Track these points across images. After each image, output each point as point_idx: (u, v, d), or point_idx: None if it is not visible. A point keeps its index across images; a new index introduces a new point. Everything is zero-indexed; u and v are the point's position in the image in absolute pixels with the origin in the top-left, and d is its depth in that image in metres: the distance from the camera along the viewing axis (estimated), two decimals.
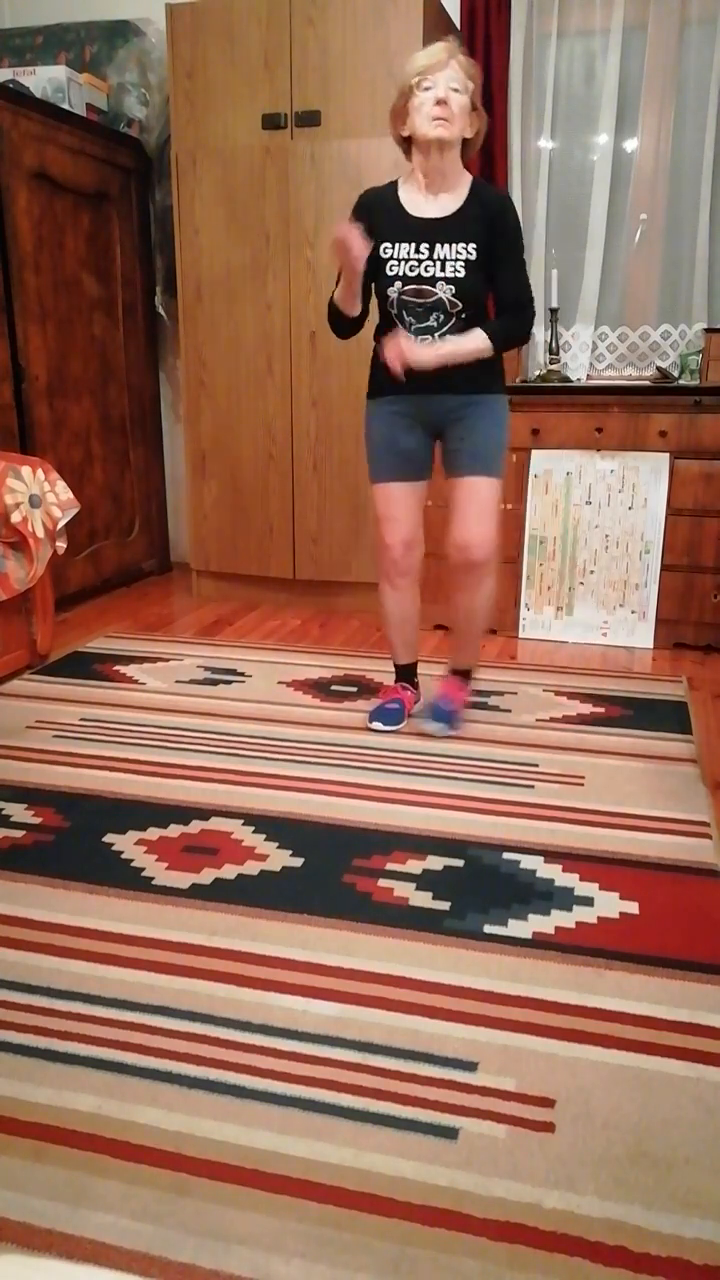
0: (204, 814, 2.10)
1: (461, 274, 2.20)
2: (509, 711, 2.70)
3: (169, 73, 3.47)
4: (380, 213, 2.26)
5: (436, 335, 2.25)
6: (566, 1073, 1.35)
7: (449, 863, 1.91)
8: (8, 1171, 1.19)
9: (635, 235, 3.55)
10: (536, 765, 2.36)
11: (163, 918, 1.71)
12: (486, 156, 3.53)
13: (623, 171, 3.51)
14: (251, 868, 1.88)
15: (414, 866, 1.89)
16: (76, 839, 1.99)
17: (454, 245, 2.20)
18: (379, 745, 2.46)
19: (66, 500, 2.96)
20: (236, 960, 1.59)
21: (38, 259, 3.43)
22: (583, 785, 2.25)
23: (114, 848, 1.96)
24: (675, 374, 3.46)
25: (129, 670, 3.02)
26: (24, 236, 3.34)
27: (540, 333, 3.61)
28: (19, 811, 2.11)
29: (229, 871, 1.87)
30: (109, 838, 2.00)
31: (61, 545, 2.96)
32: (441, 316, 2.23)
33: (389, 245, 2.24)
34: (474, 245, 2.20)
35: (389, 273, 2.24)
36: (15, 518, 2.74)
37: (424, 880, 1.84)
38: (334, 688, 2.88)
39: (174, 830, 2.03)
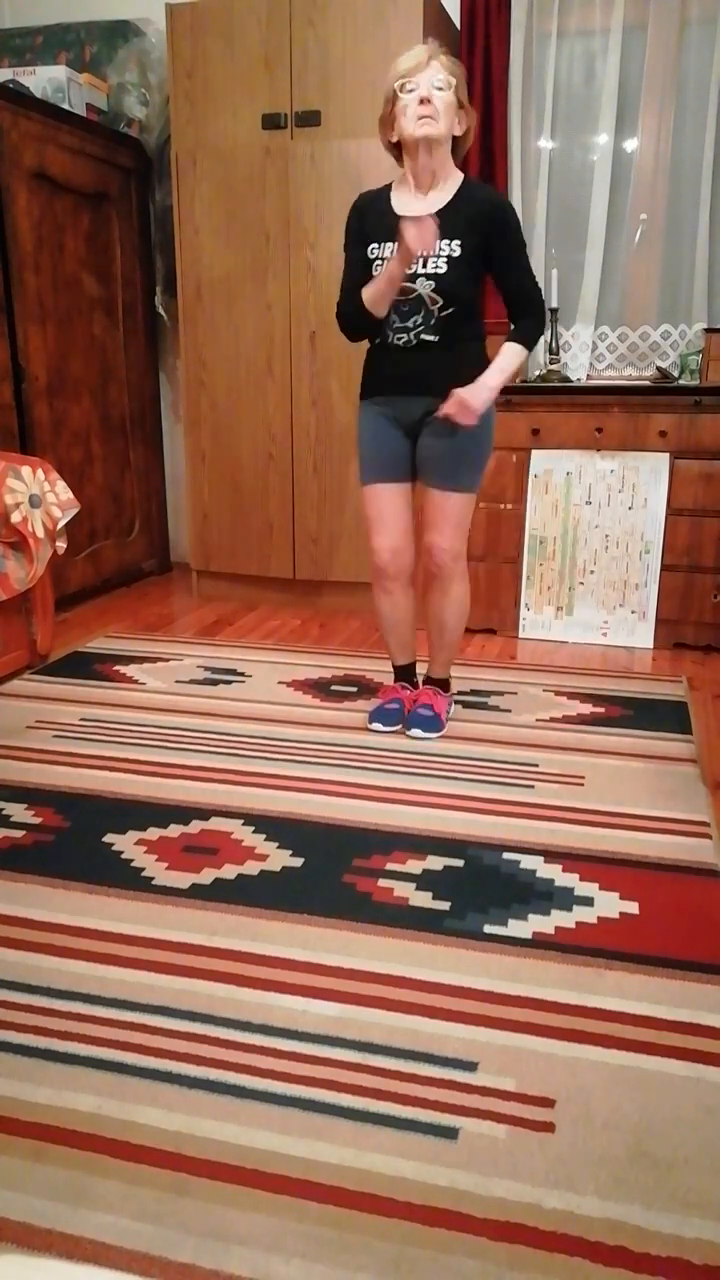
0: (204, 814, 2.10)
1: (442, 270, 2.19)
2: (509, 711, 2.70)
3: (169, 72, 3.47)
4: (371, 214, 2.28)
5: (412, 334, 2.25)
6: (566, 1073, 1.35)
7: (449, 863, 1.91)
8: (8, 1171, 1.19)
9: (635, 235, 3.55)
10: (536, 765, 2.36)
11: (163, 918, 1.71)
12: (486, 156, 3.53)
13: (623, 171, 3.51)
14: (251, 868, 1.88)
15: (414, 866, 1.89)
16: (76, 839, 1.99)
17: (437, 242, 2.18)
18: (379, 745, 2.46)
19: (66, 500, 2.96)
20: (236, 960, 1.59)
21: (38, 259, 3.43)
22: (583, 785, 2.25)
23: (114, 848, 1.96)
24: (675, 374, 3.46)
25: (129, 670, 3.02)
26: (24, 236, 3.34)
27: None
28: (19, 811, 2.11)
29: (229, 871, 1.87)
30: (109, 838, 2.00)
31: (61, 545, 2.96)
32: (423, 314, 2.23)
33: (376, 245, 2.25)
34: (458, 242, 2.19)
35: (375, 272, 2.24)
36: (15, 518, 2.74)
37: (424, 880, 1.84)
38: (334, 688, 2.88)
39: (174, 830, 2.03)
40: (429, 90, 2.11)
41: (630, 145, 3.50)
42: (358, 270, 2.29)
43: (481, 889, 1.81)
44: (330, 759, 2.38)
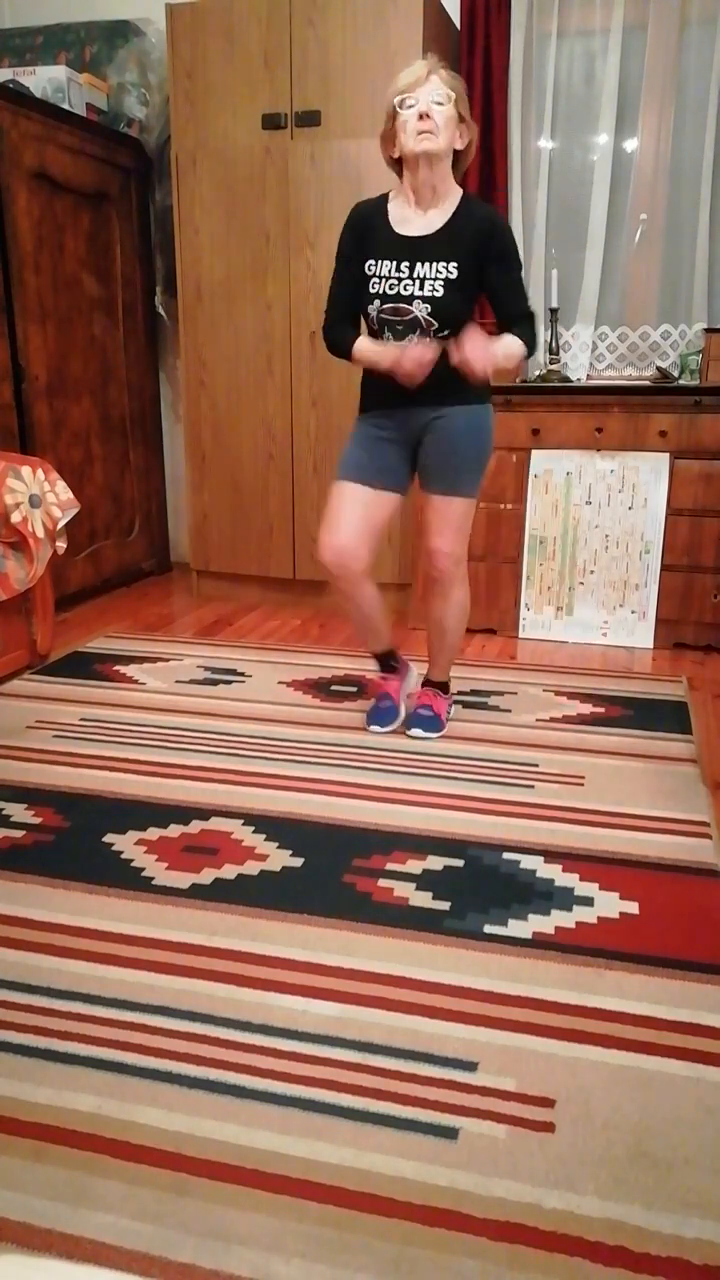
0: (204, 814, 2.10)
1: (439, 293, 2.18)
2: (509, 711, 2.70)
3: (169, 73, 3.48)
4: (368, 229, 2.25)
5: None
6: (566, 1073, 1.35)
7: (449, 863, 1.91)
8: (8, 1171, 1.19)
9: (635, 235, 3.55)
10: (536, 765, 2.36)
11: (163, 918, 1.71)
12: (486, 156, 3.53)
13: (623, 171, 3.51)
14: (251, 868, 1.88)
15: (414, 866, 1.89)
16: (76, 839, 1.99)
17: (434, 264, 2.18)
18: (379, 745, 2.46)
19: (66, 500, 2.96)
20: (236, 960, 1.59)
21: (38, 259, 3.43)
22: (583, 785, 2.25)
23: (114, 848, 1.96)
24: (675, 374, 3.46)
25: (129, 670, 3.02)
26: (24, 236, 3.34)
27: (540, 332, 3.61)
28: (19, 811, 2.11)
29: (229, 871, 1.87)
30: (109, 838, 2.00)
31: (61, 545, 2.96)
32: (418, 335, 2.21)
33: (373, 262, 2.22)
34: (455, 264, 2.18)
35: (370, 290, 2.23)
36: (15, 518, 2.74)
37: (424, 880, 1.84)
38: (334, 688, 2.88)
39: (174, 830, 2.03)
40: (428, 105, 2.10)
41: (630, 145, 3.50)
42: (349, 286, 2.28)
43: (481, 889, 1.81)
44: (330, 759, 2.38)
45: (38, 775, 2.28)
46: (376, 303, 2.23)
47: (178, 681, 2.92)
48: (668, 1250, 1.09)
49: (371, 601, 2.46)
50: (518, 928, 1.69)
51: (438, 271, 2.18)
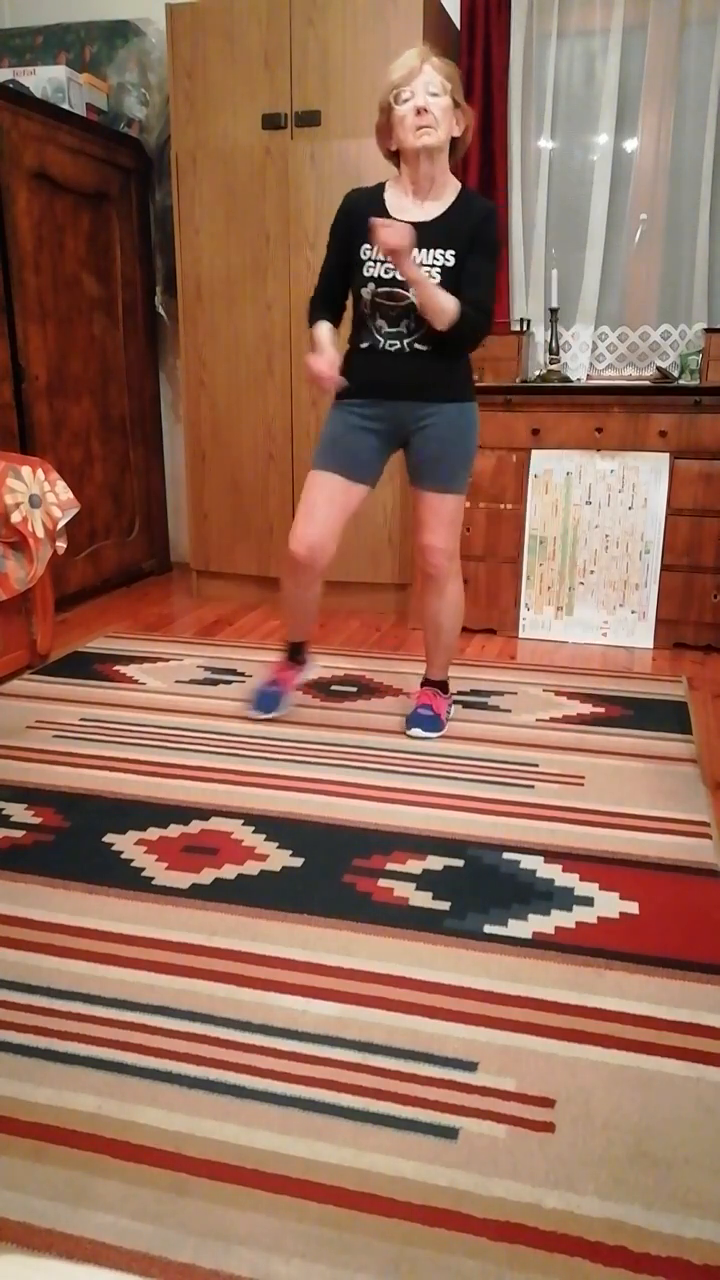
0: (204, 814, 2.10)
1: (436, 279, 2.17)
2: (509, 711, 2.70)
3: (169, 73, 3.48)
4: (361, 213, 2.23)
5: (404, 342, 2.24)
6: (566, 1073, 1.35)
7: (449, 863, 1.91)
8: (8, 1171, 1.19)
9: (635, 235, 3.55)
10: (536, 765, 2.36)
11: (163, 918, 1.71)
12: (486, 156, 3.53)
13: (623, 171, 3.51)
14: (251, 868, 1.88)
15: (414, 866, 1.89)
16: (76, 839, 1.99)
17: (432, 251, 2.18)
18: (379, 745, 2.46)
19: (66, 500, 2.95)
20: (236, 960, 1.59)
21: (38, 259, 3.43)
22: (583, 785, 2.25)
23: (114, 848, 1.96)
24: (675, 374, 3.46)
25: (129, 670, 3.02)
26: (24, 236, 3.34)
27: (540, 333, 3.61)
28: (19, 811, 2.11)
29: (229, 871, 1.87)
30: (109, 838, 2.00)
31: (61, 545, 2.96)
32: (413, 322, 2.21)
33: (368, 246, 2.21)
34: (452, 252, 2.18)
35: (365, 274, 2.22)
36: (15, 518, 2.74)
37: (424, 880, 1.84)
38: (334, 688, 2.88)
39: (174, 830, 2.03)
40: (425, 98, 2.09)
41: (630, 145, 3.50)
42: (338, 271, 2.29)
43: (481, 889, 1.81)
44: (330, 759, 2.38)
45: (38, 775, 2.28)
46: (371, 285, 2.22)
47: (178, 681, 2.92)
48: (668, 1250, 1.09)
49: (318, 593, 2.54)
50: (518, 928, 1.69)
51: (435, 259, 2.18)
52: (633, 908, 1.76)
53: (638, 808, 2.14)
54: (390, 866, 1.89)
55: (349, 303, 2.34)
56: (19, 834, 2.01)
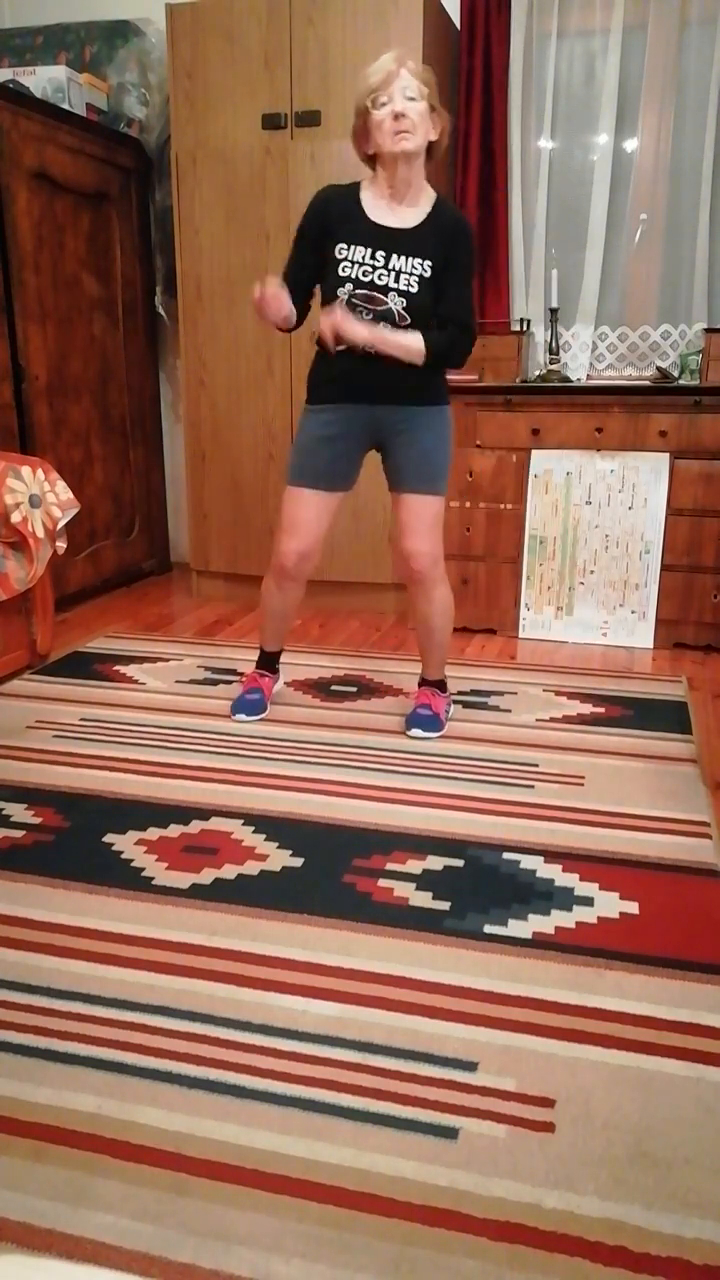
0: (204, 814, 2.10)
1: (415, 289, 2.17)
2: (509, 711, 2.70)
3: (169, 73, 3.48)
4: (340, 213, 2.22)
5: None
6: (566, 1073, 1.35)
7: (449, 863, 1.91)
8: (8, 1171, 1.19)
9: (635, 235, 3.55)
10: (536, 765, 2.36)
11: (163, 918, 1.71)
12: (486, 156, 3.53)
13: (623, 171, 3.51)
14: (251, 868, 1.88)
15: (414, 866, 1.89)
16: (76, 839, 1.99)
17: (411, 259, 2.17)
18: (379, 745, 2.46)
19: (66, 500, 2.95)
20: (236, 960, 1.59)
21: (38, 259, 3.43)
22: (583, 785, 2.25)
23: (114, 848, 1.96)
24: (675, 374, 3.46)
25: (129, 670, 3.02)
26: (24, 236, 3.34)
27: (540, 333, 3.61)
28: (19, 811, 2.11)
29: (229, 871, 1.87)
30: (109, 838, 2.00)
31: (61, 545, 2.96)
32: (389, 328, 2.20)
33: (344, 246, 2.19)
34: (429, 263, 2.18)
35: (341, 273, 2.19)
36: (15, 518, 2.74)
37: (424, 880, 1.84)
38: (334, 688, 2.88)
39: (174, 830, 2.03)
40: (402, 103, 2.07)
41: (630, 145, 3.50)
42: (306, 270, 2.27)
43: (481, 889, 1.81)
44: (330, 759, 2.38)
45: (38, 775, 2.28)
46: (349, 286, 2.19)
47: (178, 681, 2.92)
48: (668, 1250, 1.09)
49: (298, 600, 2.56)
50: (518, 928, 1.69)
51: (413, 267, 2.18)
52: (633, 908, 1.76)
53: (638, 808, 2.14)
54: (390, 866, 1.89)
55: (315, 304, 2.30)
56: (19, 834, 2.01)
